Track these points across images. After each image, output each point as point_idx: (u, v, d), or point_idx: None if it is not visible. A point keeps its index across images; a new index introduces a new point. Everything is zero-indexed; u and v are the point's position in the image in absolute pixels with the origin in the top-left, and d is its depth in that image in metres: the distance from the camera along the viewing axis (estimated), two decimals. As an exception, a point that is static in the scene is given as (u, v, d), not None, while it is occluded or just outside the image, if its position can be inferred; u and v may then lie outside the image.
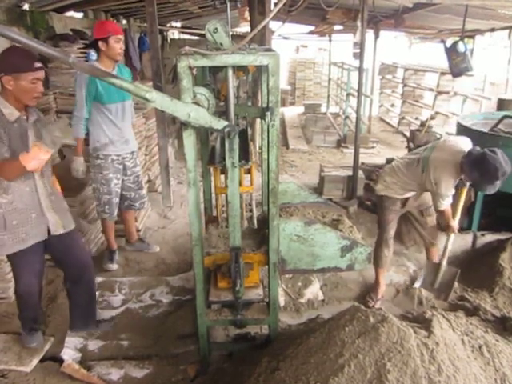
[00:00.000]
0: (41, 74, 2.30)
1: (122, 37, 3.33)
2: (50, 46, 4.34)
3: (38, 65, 2.29)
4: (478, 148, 2.91)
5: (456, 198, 3.17)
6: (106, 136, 3.45)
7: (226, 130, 2.03)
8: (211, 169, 2.73)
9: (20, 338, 2.82)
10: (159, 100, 1.96)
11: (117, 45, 3.28)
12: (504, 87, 8.57)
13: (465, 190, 3.29)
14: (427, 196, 3.29)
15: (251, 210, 2.87)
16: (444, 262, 3.33)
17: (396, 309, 3.33)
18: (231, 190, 2.19)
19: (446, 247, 3.30)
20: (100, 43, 3.25)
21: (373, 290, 3.46)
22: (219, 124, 2.03)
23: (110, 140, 3.47)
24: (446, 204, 3.01)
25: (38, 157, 2.10)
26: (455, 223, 3.19)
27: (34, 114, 2.44)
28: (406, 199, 3.33)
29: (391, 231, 3.36)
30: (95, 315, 3.01)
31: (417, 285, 3.39)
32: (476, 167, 2.79)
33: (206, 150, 2.94)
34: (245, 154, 2.40)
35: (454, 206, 3.14)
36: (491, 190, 2.87)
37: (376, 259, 3.35)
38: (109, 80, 1.94)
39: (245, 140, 2.56)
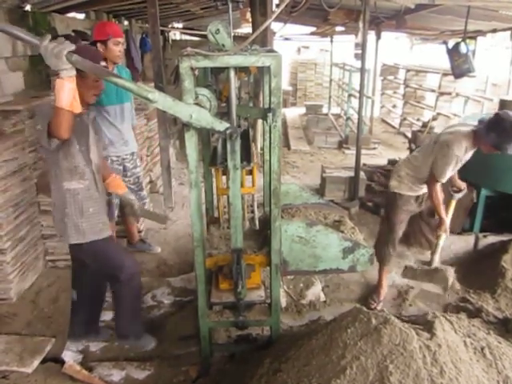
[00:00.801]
0: None
1: (121, 39, 3.32)
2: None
3: (103, 64, 2.33)
4: (484, 117, 2.95)
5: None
6: (106, 137, 3.45)
7: (228, 131, 2.03)
8: (213, 170, 2.72)
9: (127, 342, 2.79)
10: (161, 100, 1.96)
11: (116, 47, 3.27)
12: (506, 88, 8.56)
13: (453, 202, 3.30)
14: None
15: (253, 211, 2.87)
16: (436, 259, 3.41)
17: (397, 310, 3.32)
18: (233, 192, 2.19)
19: (437, 245, 3.38)
20: (99, 45, 3.24)
21: (375, 291, 3.45)
22: (221, 125, 2.03)
23: (109, 141, 3.47)
24: (444, 175, 2.95)
25: (64, 88, 1.98)
26: (447, 219, 3.19)
27: (92, 113, 2.48)
28: (422, 199, 3.30)
29: (400, 232, 3.31)
30: (98, 321, 2.99)
31: None
32: (492, 128, 2.81)
33: (207, 151, 2.94)
34: (246, 155, 2.39)
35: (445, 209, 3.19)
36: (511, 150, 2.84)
37: (381, 257, 3.33)
38: (111, 79, 1.94)
39: (246, 141, 2.56)
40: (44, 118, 2.18)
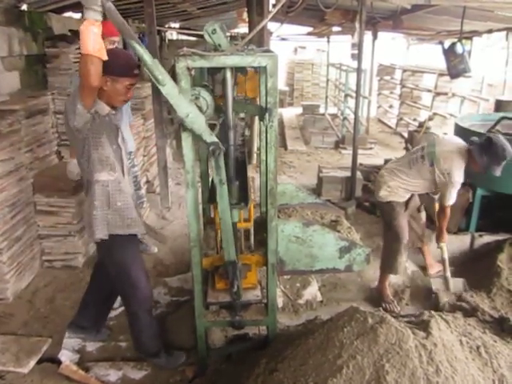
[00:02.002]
0: (136, 81, 2.31)
1: (116, 38, 3.29)
2: (49, 46, 4.33)
3: (136, 72, 2.32)
4: (475, 138, 3.16)
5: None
6: None
7: (211, 148, 2.02)
8: (211, 206, 2.73)
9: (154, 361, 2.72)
10: (169, 86, 1.92)
11: (111, 47, 3.24)
12: (501, 88, 8.59)
13: (436, 205, 3.45)
14: (417, 197, 3.42)
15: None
16: (448, 275, 3.42)
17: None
18: (221, 206, 2.18)
19: (444, 259, 3.40)
20: None
21: (383, 296, 3.40)
22: (209, 137, 2.02)
23: None
24: (452, 199, 3.13)
25: (89, 32, 1.89)
26: (445, 233, 3.34)
27: (119, 114, 2.47)
28: (407, 202, 3.35)
29: (406, 235, 3.33)
30: (105, 320, 2.98)
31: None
32: (485, 151, 3.01)
33: (204, 151, 2.94)
34: (244, 195, 2.34)
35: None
36: (498, 172, 3.05)
37: (395, 268, 3.34)
38: (133, 44, 1.87)
39: (244, 177, 2.48)
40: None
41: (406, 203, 3.36)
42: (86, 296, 2.84)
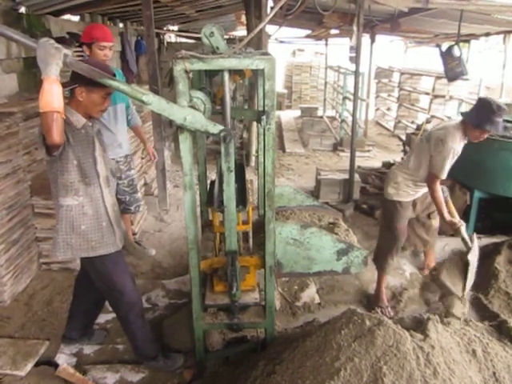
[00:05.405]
0: (112, 90, 2.27)
1: (108, 44, 3.21)
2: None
3: None
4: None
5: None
6: None
7: (222, 134, 2.03)
8: (209, 209, 2.74)
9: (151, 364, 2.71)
10: (155, 103, 1.96)
11: (100, 51, 3.19)
12: (499, 91, 8.62)
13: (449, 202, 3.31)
14: (428, 202, 3.33)
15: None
16: (465, 236, 3.12)
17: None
18: (227, 194, 2.19)
19: (464, 239, 3.09)
20: (84, 47, 3.22)
21: (377, 299, 3.40)
22: (215, 128, 2.03)
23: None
24: (442, 169, 2.97)
25: (53, 89, 1.91)
26: (447, 216, 3.06)
27: (96, 125, 2.42)
28: (415, 203, 3.33)
29: (403, 239, 3.32)
30: (93, 325, 2.98)
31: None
32: (476, 111, 3.00)
33: (202, 153, 2.94)
34: (242, 198, 2.35)
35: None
36: (498, 129, 2.97)
37: (385, 266, 3.34)
38: (106, 82, 1.94)
39: (242, 181, 2.51)
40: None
41: (414, 206, 3.34)
42: (72, 308, 2.83)
